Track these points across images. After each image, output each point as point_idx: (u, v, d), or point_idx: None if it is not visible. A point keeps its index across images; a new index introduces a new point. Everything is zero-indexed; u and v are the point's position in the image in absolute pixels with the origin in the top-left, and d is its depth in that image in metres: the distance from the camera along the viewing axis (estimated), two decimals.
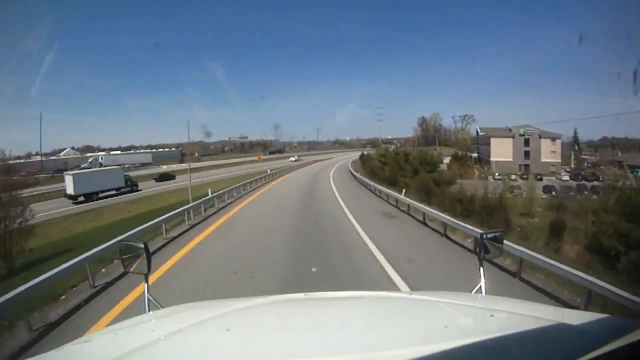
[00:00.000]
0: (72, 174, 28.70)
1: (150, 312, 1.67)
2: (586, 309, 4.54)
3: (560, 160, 58.32)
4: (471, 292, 1.82)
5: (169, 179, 38.96)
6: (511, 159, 54.89)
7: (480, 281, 1.80)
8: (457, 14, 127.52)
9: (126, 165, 48.78)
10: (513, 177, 50.78)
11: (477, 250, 1.99)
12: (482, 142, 70.85)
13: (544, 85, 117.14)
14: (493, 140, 58.61)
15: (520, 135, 57.90)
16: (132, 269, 1.76)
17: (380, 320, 1.36)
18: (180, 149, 79.42)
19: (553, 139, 59.05)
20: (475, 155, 73.23)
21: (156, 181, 38.10)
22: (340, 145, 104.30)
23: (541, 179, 51.54)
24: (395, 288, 5.14)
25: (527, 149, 60.42)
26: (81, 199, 27.96)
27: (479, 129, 74.60)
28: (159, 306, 1.71)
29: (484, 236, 1.88)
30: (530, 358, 0.97)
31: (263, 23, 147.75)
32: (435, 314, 1.42)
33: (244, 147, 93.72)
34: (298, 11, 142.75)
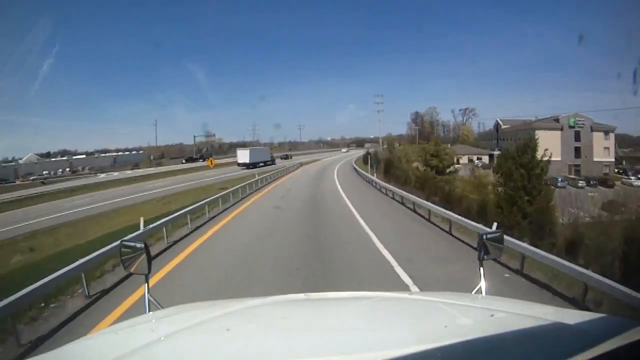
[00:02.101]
0: (249, 150, 51.10)
1: (151, 312, 1.69)
2: None
3: (614, 159, 41.55)
4: (471, 292, 1.79)
5: (288, 158, 63.27)
6: (559, 158, 37.12)
7: (480, 281, 1.78)
8: (454, 9, 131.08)
9: None
10: (580, 183, 33.09)
11: (478, 251, 1.89)
12: (505, 137, 52.63)
13: (543, 84, 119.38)
14: (540, 134, 39.91)
15: (570, 127, 40.56)
16: (132, 270, 1.74)
17: (380, 321, 1.37)
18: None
19: (605, 132, 42.03)
20: (496, 152, 55.07)
21: (282, 159, 59.68)
22: (324, 144, 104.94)
23: (612, 186, 33.60)
24: None
25: (577, 144, 42.72)
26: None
27: (500, 121, 56.73)
28: (159, 306, 1.72)
29: (485, 237, 1.84)
30: (530, 358, 0.98)
31: (242, 24, 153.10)
32: (435, 314, 1.42)
33: (222, 149, 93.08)
34: (277, 11, 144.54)
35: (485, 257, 1.83)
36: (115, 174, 50.50)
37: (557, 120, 46.71)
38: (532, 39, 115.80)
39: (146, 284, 1.77)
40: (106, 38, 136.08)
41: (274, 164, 49.63)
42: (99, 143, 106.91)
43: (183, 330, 1.23)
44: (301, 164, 48.19)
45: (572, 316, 1.22)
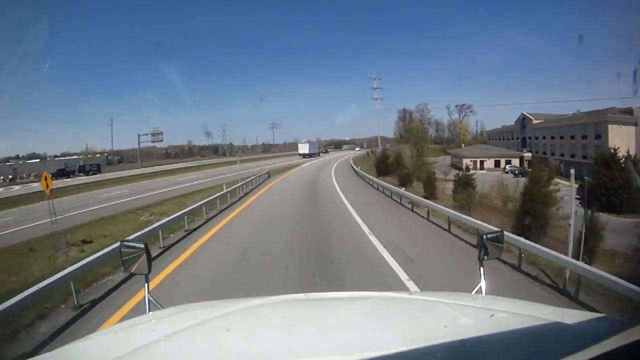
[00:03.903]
0: (308, 143, 68.98)
1: (151, 312, 1.72)
2: None
3: None
4: (471, 292, 1.84)
5: (327, 152, 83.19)
6: None
7: (480, 281, 1.82)
8: (448, 7, 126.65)
9: None
10: None
11: (478, 251, 1.96)
12: (539, 135, 39.08)
13: (541, 84, 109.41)
14: (612, 130, 25.22)
15: None
16: (132, 270, 1.80)
17: (380, 321, 1.41)
18: (106, 154, 70.69)
19: None
20: (527, 154, 40.24)
21: (322, 153, 78.85)
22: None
23: None
24: None
25: None
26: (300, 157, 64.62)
27: (527, 115, 43.27)
28: (159, 307, 1.77)
29: (485, 237, 1.91)
30: (530, 358, 1.02)
31: (214, 25, 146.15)
32: (435, 314, 1.46)
33: (192, 152, 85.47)
34: (249, 13, 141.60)
35: (485, 257, 1.87)
36: (16, 188, 41.10)
37: (628, 112, 33.64)
38: (529, 39, 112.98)
39: (146, 284, 1.80)
40: (83, 38, 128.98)
41: (319, 157, 68.06)
42: (77, 146, 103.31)
43: (183, 330, 1.26)
44: (269, 175, 31.36)
45: (572, 316, 1.27)
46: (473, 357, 0.99)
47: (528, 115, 51.38)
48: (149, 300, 1.75)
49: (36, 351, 4.66)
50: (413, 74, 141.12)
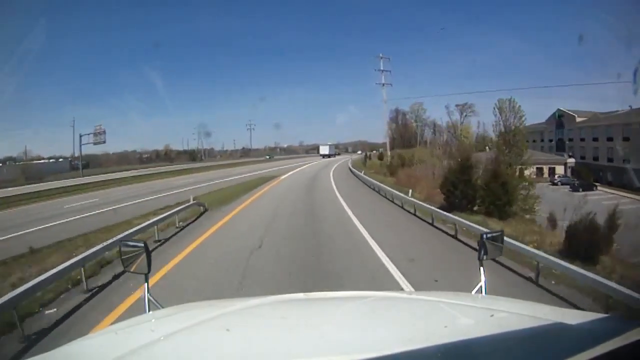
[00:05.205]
0: (328, 145, 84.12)
1: (150, 312, 1.74)
2: None
3: None
4: (471, 292, 1.85)
5: (339, 154, 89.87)
6: None
7: (480, 281, 1.81)
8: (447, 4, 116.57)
9: None
10: None
11: (478, 251, 1.98)
12: (585, 136, 27.45)
13: (540, 84, 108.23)
14: None
15: None
16: (132, 269, 1.82)
17: (380, 320, 1.43)
18: (69, 159, 61.59)
19: None
20: (570, 160, 27.23)
21: (336, 155, 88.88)
22: (281, 150, 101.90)
23: None
24: None
25: None
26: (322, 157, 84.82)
27: (566, 111, 32.00)
28: (159, 306, 1.79)
29: (485, 236, 1.90)
30: (530, 358, 1.05)
31: (196, 27, 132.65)
32: (435, 314, 1.47)
33: (169, 156, 79.94)
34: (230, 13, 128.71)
35: (485, 257, 1.87)
36: None
37: None
38: (527, 39, 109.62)
39: (146, 284, 1.80)
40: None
41: (334, 157, 75.62)
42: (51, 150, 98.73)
43: (183, 330, 1.29)
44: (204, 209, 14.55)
45: (572, 316, 1.29)
46: (473, 357, 0.99)
47: (567, 111, 43.25)
48: (148, 300, 1.76)
49: None
50: (407, 75, 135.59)
